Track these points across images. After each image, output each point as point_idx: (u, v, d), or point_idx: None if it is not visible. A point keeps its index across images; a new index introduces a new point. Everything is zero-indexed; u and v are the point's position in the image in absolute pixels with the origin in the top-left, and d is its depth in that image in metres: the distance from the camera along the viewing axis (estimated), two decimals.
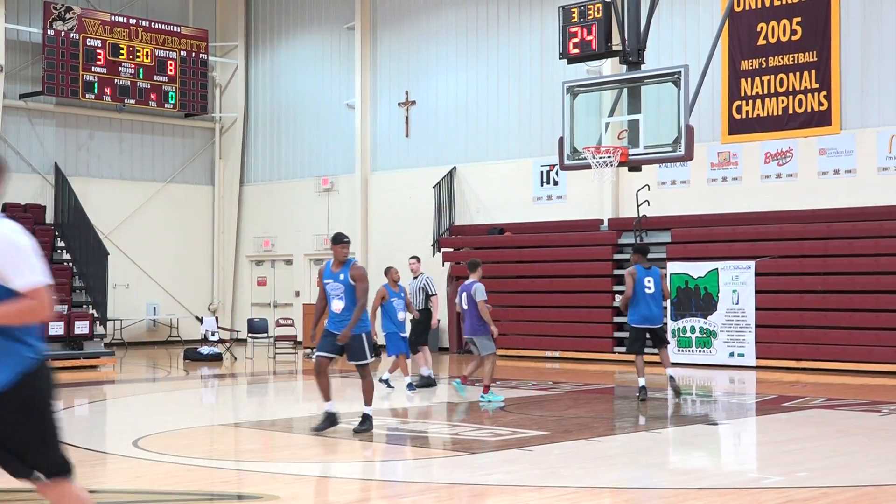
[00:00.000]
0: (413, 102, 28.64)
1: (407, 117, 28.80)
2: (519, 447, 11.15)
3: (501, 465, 10.17)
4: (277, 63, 32.07)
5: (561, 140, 17.47)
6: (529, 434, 12.15)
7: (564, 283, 24.65)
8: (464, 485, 9.29)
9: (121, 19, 29.86)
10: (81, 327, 22.72)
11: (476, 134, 27.40)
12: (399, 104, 28.91)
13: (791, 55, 22.37)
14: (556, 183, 25.84)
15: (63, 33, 28.57)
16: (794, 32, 22.36)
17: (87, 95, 28.97)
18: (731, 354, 21.75)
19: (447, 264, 26.62)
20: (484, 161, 27.18)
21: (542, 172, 26.08)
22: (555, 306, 24.60)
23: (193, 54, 31.16)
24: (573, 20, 17.96)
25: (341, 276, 12.02)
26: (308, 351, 24.92)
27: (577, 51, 17.98)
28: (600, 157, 16.92)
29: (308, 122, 31.12)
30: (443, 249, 26.85)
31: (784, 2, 22.44)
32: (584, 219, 25.19)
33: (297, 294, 30.79)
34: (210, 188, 32.63)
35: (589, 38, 17.80)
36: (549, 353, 24.34)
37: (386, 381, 16.94)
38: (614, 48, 17.67)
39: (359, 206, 29.53)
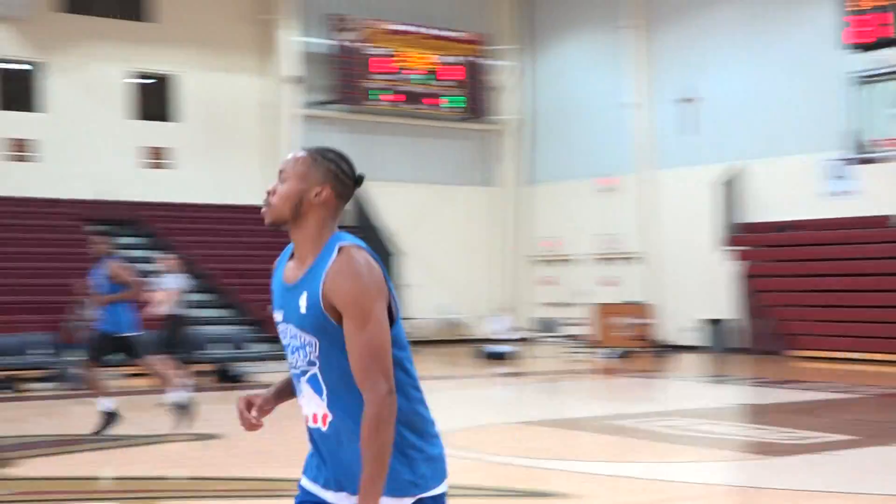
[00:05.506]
0: (693, 99, 28.33)
1: (688, 114, 28.50)
2: (824, 451, 10.92)
3: (807, 468, 10.03)
4: (553, 64, 32.34)
5: (849, 133, 17.01)
6: (835, 438, 11.83)
7: (853, 282, 23.78)
8: (767, 489, 9.24)
9: (403, 28, 30.89)
10: None
11: (760, 129, 26.81)
12: (679, 101, 28.65)
13: None
14: (845, 178, 24.92)
15: (349, 43, 29.80)
16: None
17: (372, 102, 30.15)
18: None
19: (738, 263, 26.14)
20: (768, 157, 26.57)
21: (829, 167, 25.20)
22: (848, 306, 23.76)
23: (473, 59, 31.87)
24: (859, 8, 17.47)
25: None
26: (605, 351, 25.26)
27: (864, 39, 17.48)
28: (892, 151, 16.40)
29: (586, 122, 31.22)
30: (733, 248, 26.40)
31: None
32: (873, 215, 24.15)
33: (583, 294, 30.60)
34: (492, 189, 33.19)
35: (878, 25, 17.29)
36: (837, 354, 23.47)
37: None
38: None
39: (641, 206, 29.50)
